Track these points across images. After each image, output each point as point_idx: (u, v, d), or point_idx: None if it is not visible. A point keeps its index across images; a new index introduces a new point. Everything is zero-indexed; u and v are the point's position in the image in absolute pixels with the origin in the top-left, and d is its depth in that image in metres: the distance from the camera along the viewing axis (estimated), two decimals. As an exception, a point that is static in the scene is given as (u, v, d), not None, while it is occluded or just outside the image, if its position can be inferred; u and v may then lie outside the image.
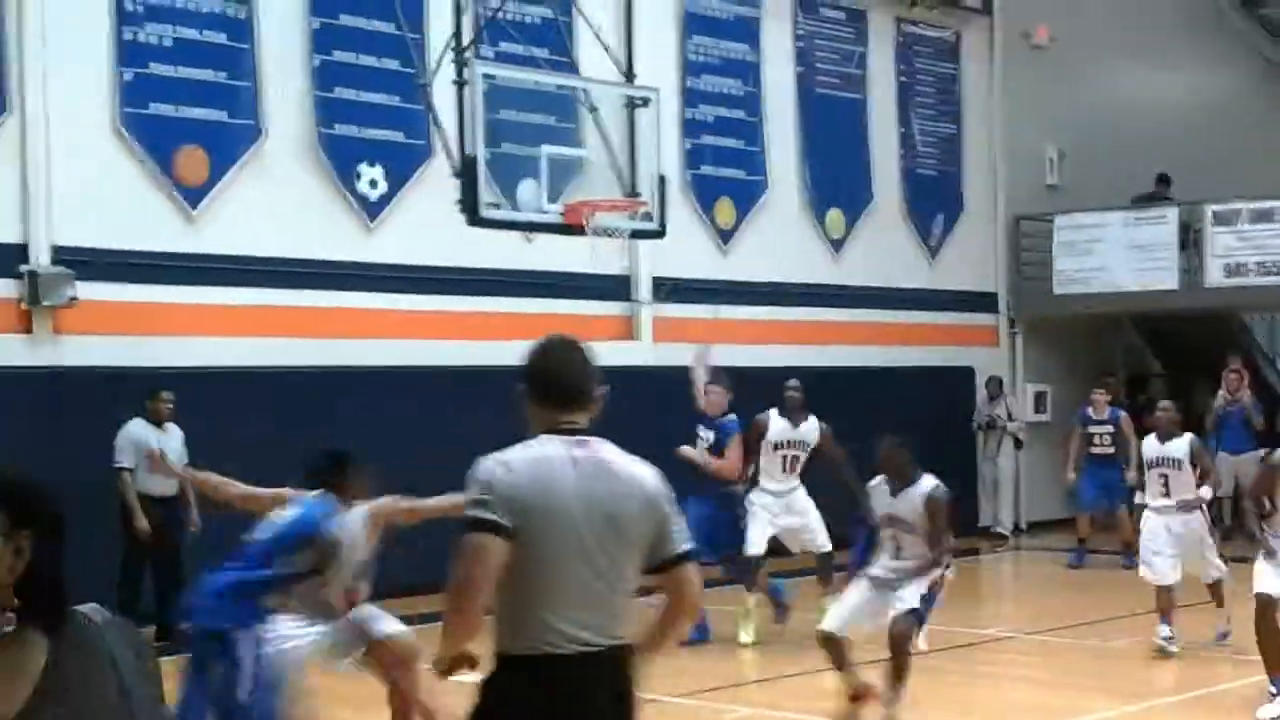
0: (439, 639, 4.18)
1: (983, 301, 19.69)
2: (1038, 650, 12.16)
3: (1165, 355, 21.23)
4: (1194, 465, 11.26)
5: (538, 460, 3.98)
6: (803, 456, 12.12)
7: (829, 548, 11.94)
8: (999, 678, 11.26)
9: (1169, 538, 11.18)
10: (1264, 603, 9.20)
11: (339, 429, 12.86)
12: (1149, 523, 11.40)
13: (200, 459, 11.47)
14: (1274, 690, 9.24)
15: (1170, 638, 11.11)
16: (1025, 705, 10.27)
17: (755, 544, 11.79)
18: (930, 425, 16.20)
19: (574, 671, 3.95)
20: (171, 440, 11.76)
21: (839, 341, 17.61)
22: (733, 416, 11.91)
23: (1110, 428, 16.29)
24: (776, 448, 12.07)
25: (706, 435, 11.88)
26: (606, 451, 4.06)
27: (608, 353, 15.25)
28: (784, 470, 12.07)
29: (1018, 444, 18.87)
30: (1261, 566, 9.32)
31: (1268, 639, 9.22)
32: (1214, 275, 18.11)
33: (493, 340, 13.82)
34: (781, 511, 12.00)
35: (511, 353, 13.04)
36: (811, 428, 12.15)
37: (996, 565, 17.92)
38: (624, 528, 4.00)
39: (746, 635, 11.67)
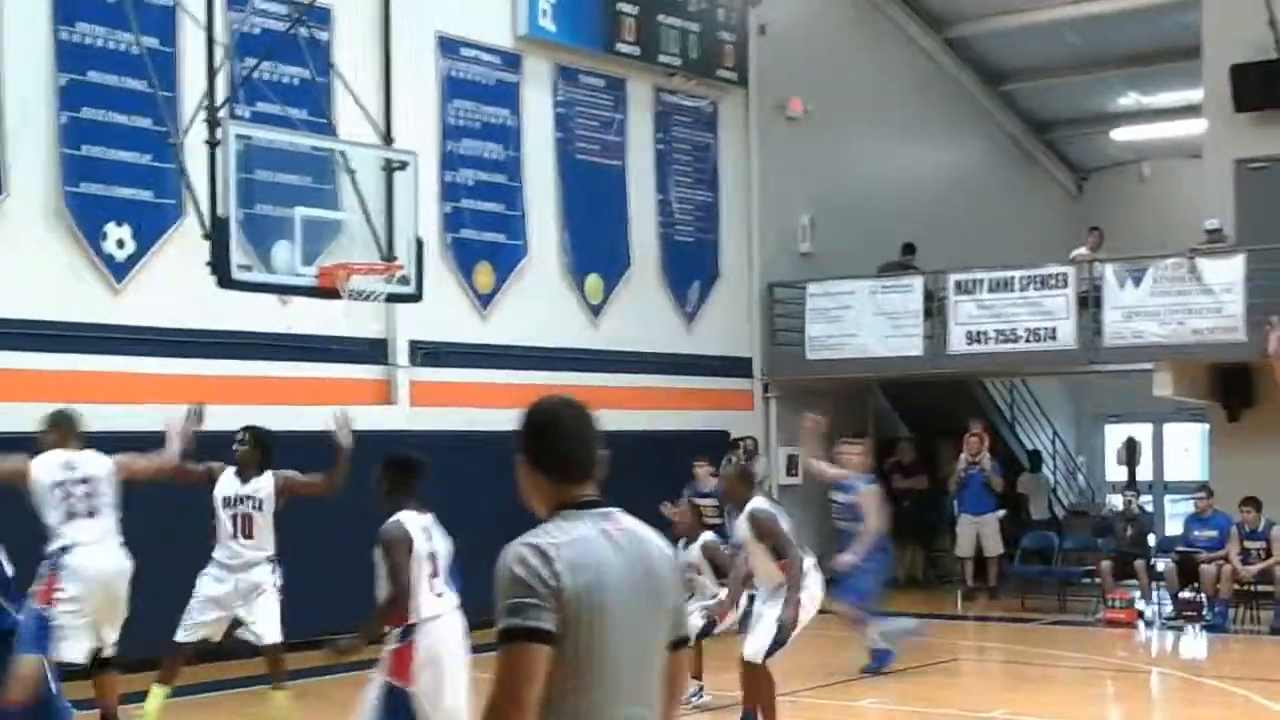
0: None
1: (738, 366, 20.06)
2: (786, 713, 12.33)
3: (912, 419, 21.90)
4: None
5: (575, 543, 3.49)
6: None
7: None
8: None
9: None
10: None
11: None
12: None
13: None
14: None
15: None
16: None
17: None
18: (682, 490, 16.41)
19: None
20: None
21: (599, 405, 17.50)
22: None
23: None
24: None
25: None
26: (630, 522, 3.64)
27: (364, 417, 15.10)
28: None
29: None
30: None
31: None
32: (957, 342, 18.77)
33: (247, 404, 13.57)
34: None
35: (263, 417, 12.76)
36: None
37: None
38: (662, 607, 3.62)
39: None
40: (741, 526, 10.06)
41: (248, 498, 10.64)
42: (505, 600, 3.43)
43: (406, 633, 7.47)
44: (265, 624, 10.48)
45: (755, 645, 10.12)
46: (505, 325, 17.09)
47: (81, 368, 13.36)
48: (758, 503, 10.03)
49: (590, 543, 3.51)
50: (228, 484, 10.66)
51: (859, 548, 13.45)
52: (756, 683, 10.21)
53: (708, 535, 11.92)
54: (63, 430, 10.20)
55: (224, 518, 10.59)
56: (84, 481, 9.92)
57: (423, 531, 7.75)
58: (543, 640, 3.40)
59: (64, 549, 9.70)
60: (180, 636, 10.52)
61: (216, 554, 10.64)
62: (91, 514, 9.86)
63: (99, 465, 10.09)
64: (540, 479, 3.63)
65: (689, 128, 19.73)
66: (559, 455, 3.63)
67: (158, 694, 10.49)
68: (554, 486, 3.61)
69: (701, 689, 11.62)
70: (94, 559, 9.74)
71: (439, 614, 7.59)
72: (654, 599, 3.59)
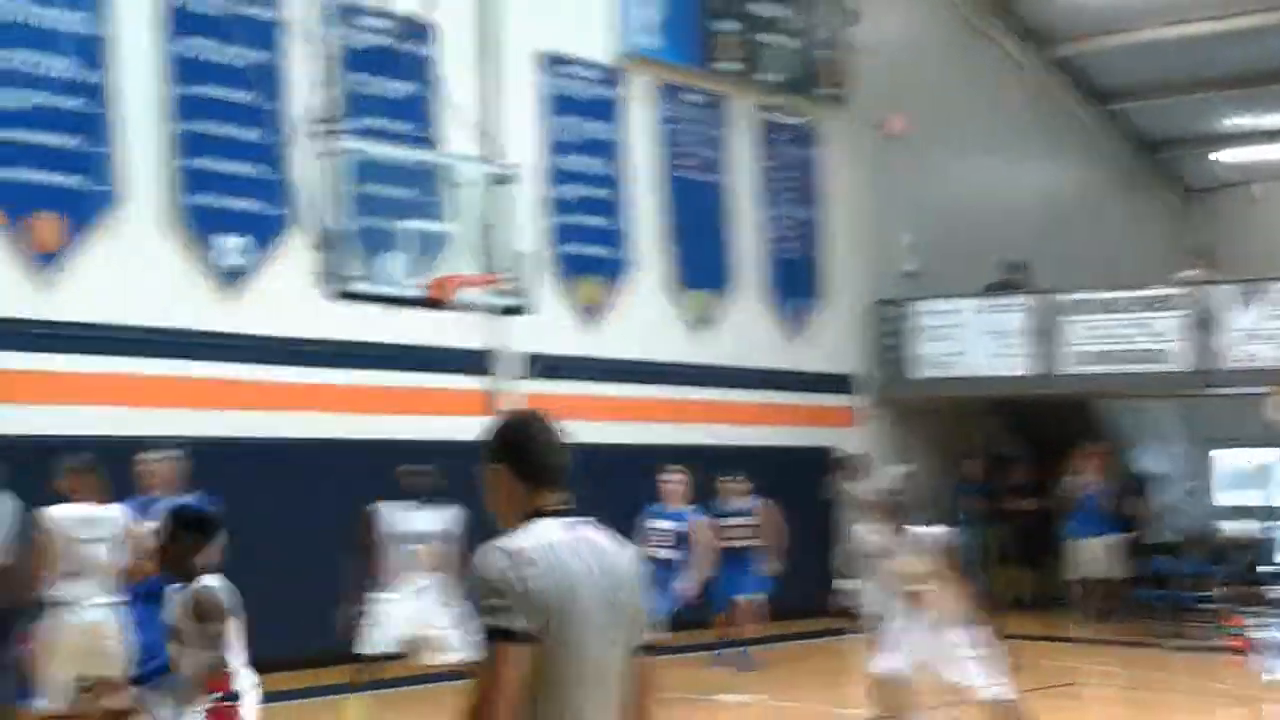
0: None
1: (840, 383, 19.89)
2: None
3: (1025, 438, 21.59)
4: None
5: (546, 548, 3.60)
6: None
7: None
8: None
9: None
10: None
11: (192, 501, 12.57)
12: None
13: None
14: None
15: None
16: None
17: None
18: (787, 505, 16.29)
19: None
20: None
21: (699, 420, 17.66)
22: None
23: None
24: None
25: None
26: (594, 532, 3.75)
27: (467, 429, 15.15)
28: None
29: None
30: None
31: None
32: (1066, 362, 18.50)
33: (351, 413, 13.68)
34: None
35: (369, 426, 12.88)
36: None
37: (851, 645, 17.89)
38: (623, 614, 3.69)
39: None
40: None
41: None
42: (481, 602, 3.54)
43: (228, 698, 6.82)
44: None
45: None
46: (609, 339, 17.06)
47: (193, 374, 13.50)
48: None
49: (560, 547, 3.62)
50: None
51: (690, 576, 13.43)
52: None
53: None
54: None
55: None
56: None
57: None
58: (517, 640, 3.50)
59: None
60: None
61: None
62: None
63: None
64: (517, 485, 3.73)
65: (791, 145, 19.63)
66: (536, 463, 3.75)
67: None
68: (530, 493, 3.73)
69: None
70: None
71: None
72: (618, 605, 3.67)
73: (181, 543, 6.60)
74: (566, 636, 3.55)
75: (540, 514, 3.68)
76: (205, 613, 6.46)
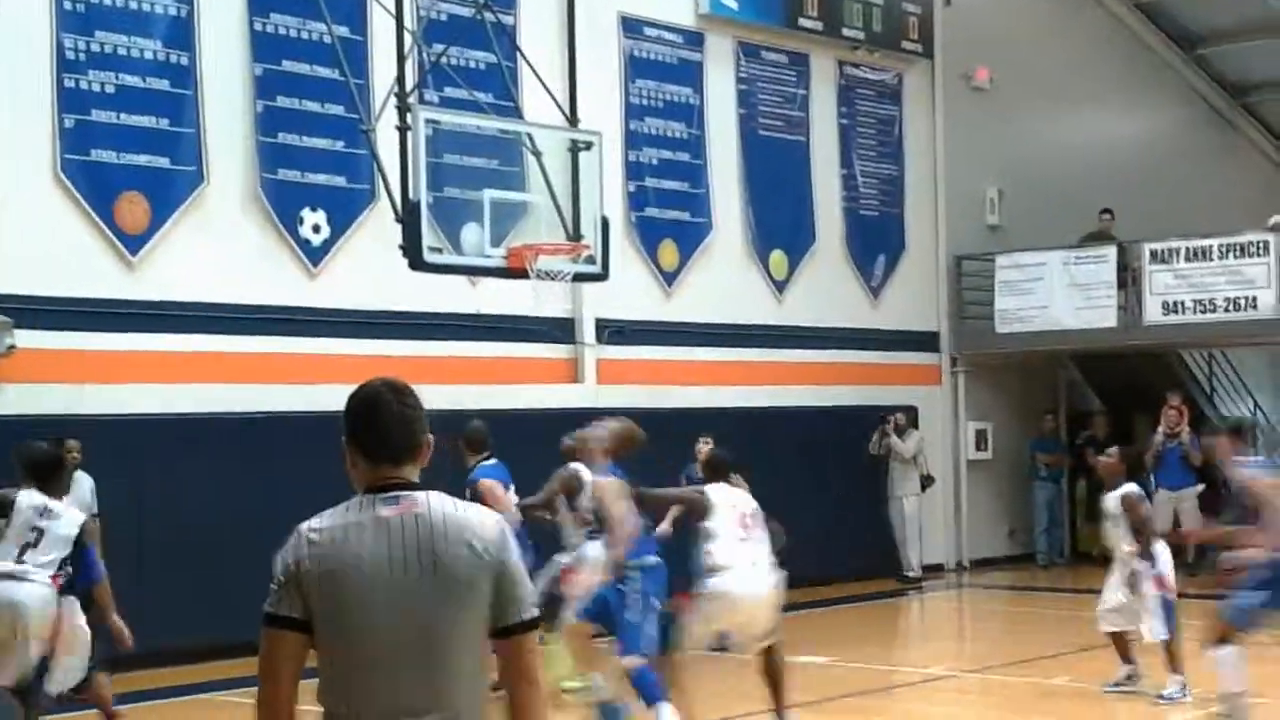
0: None
1: (925, 341, 19.85)
2: (977, 689, 12.24)
3: (1106, 392, 21.45)
4: (1131, 519, 10.91)
5: (333, 529, 3.49)
6: None
7: None
8: (929, 717, 11.33)
9: (1119, 586, 11.04)
10: None
11: (280, 475, 12.88)
12: (1111, 571, 11.27)
13: (139, 507, 11.50)
14: None
15: (1128, 678, 11.12)
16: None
17: None
18: (869, 464, 16.33)
19: None
20: (78, 490, 11.38)
21: (782, 382, 17.71)
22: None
23: None
24: None
25: None
26: (430, 504, 3.54)
27: (552, 395, 15.36)
28: None
29: (925, 483, 18.48)
30: None
31: None
32: (1152, 313, 18.32)
33: (438, 384, 13.84)
34: None
35: (457, 396, 13.03)
36: None
37: (931, 604, 17.99)
38: (447, 587, 3.46)
39: None
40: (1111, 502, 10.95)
41: None
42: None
43: None
44: None
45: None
46: (690, 302, 17.14)
47: (278, 349, 13.75)
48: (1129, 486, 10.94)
49: (349, 528, 3.48)
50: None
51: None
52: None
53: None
54: None
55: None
56: None
57: None
58: (283, 626, 3.44)
59: None
60: None
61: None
62: None
63: None
64: (358, 459, 3.58)
65: (873, 101, 19.55)
66: (372, 438, 3.57)
67: None
68: (368, 468, 3.57)
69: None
70: None
71: None
72: (429, 589, 3.44)
73: None
74: (344, 621, 3.43)
75: (371, 489, 3.54)
76: None
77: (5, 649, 8.43)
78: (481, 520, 3.58)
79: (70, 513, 8.82)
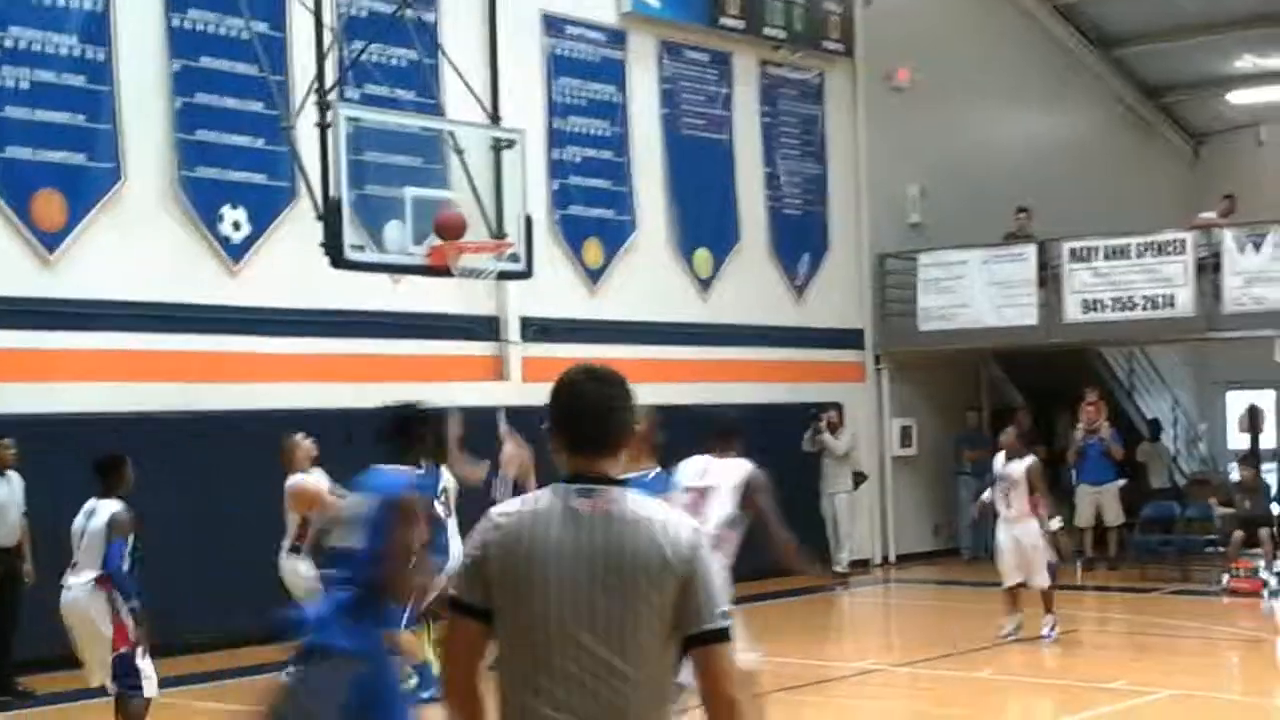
0: None
1: (849, 338, 19.94)
2: (905, 682, 12.31)
3: (1027, 389, 21.66)
4: (1029, 485, 13.01)
5: (522, 516, 3.44)
6: None
7: None
8: (861, 711, 11.38)
9: (1011, 545, 13.08)
10: None
11: (200, 475, 12.74)
12: (998, 532, 13.31)
13: (53, 507, 11.32)
14: None
15: (1010, 631, 13.00)
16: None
17: None
18: (798, 461, 16.35)
19: None
20: (12, 489, 11.54)
21: (708, 379, 17.72)
22: None
23: None
24: None
25: None
26: (624, 502, 3.44)
27: (476, 394, 15.27)
28: None
29: (858, 480, 18.62)
30: None
31: None
32: (1072, 311, 18.51)
33: (360, 383, 13.75)
34: None
35: (378, 395, 12.94)
36: None
37: (859, 599, 18.08)
38: (632, 590, 3.34)
39: None
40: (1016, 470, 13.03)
41: None
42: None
43: None
44: None
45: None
46: (615, 300, 17.12)
47: (199, 348, 13.59)
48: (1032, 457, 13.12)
49: (538, 515, 3.43)
50: None
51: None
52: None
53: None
54: None
55: None
56: None
57: None
58: (464, 613, 3.45)
59: None
60: None
61: None
62: None
63: None
64: (560, 448, 3.53)
65: (795, 100, 19.62)
66: (572, 428, 3.51)
67: None
68: (569, 457, 3.51)
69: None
70: None
71: None
72: (619, 585, 3.35)
73: None
74: (518, 609, 3.38)
75: (567, 480, 3.49)
76: None
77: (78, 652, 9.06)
78: (676, 523, 3.46)
79: (102, 507, 9.04)
